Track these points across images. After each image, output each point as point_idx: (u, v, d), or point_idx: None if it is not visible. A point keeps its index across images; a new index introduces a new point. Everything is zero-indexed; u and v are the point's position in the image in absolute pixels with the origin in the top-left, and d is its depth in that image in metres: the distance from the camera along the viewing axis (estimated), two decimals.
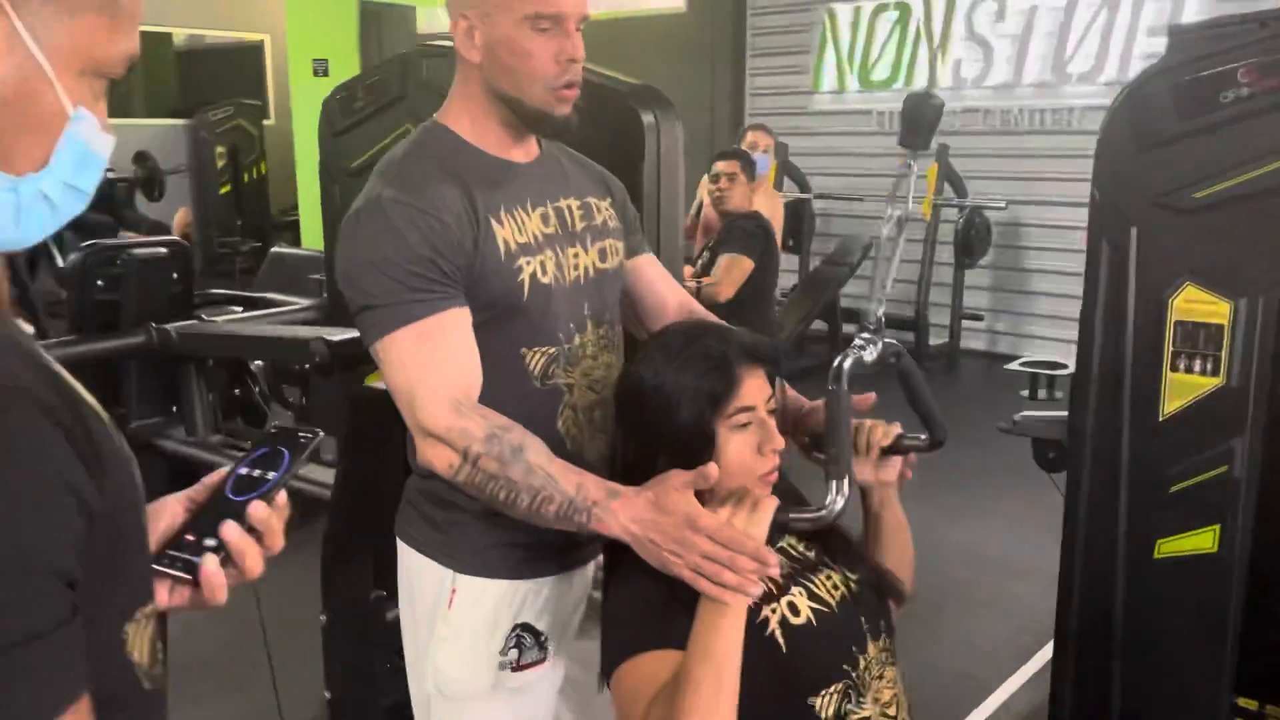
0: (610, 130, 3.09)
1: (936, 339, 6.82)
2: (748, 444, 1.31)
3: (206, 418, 2.06)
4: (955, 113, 6.68)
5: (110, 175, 8.61)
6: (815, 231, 7.40)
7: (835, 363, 1.38)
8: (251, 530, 0.86)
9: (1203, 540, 1.71)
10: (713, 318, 1.66)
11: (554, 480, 1.28)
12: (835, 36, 7.52)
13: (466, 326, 1.37)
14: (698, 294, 3.79)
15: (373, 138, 2.81)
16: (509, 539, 1.46)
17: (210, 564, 0.84)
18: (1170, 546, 1.74)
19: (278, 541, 0.89)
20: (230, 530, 0.85)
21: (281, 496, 0.90)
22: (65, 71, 0.70)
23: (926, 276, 6.62)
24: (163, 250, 2.16)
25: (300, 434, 0.93)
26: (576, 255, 1.50)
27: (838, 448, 1.32)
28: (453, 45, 2.65)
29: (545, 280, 1.44)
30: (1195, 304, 1.66)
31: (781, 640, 1.29)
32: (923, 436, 1.47)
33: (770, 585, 1.31)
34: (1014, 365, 3.96)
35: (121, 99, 10.39)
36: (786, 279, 7.42)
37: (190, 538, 0.86)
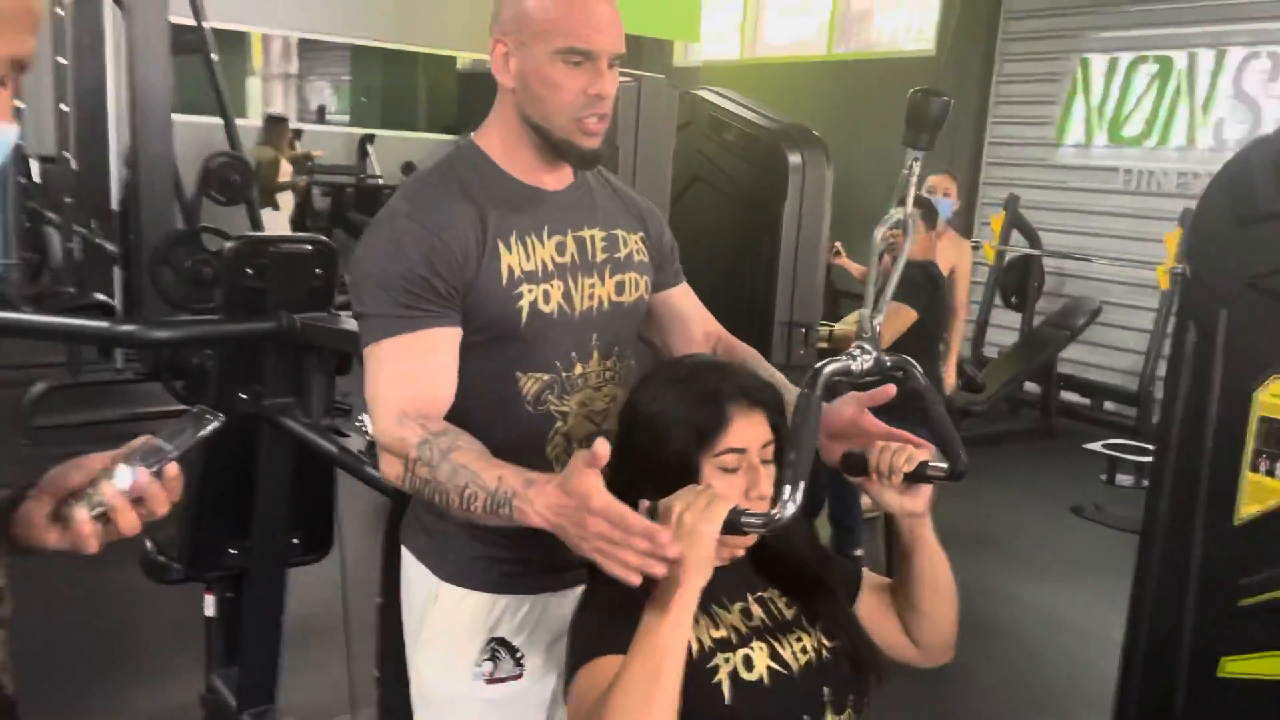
0: (757, 167, 3.11)
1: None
2: (734, 486, 1.27)
3: (319, 402, 2.24)
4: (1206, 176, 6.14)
5: (380, 183, 9.44)
6: (1044, 290, 7.01)
7: (815, 366, 1.31)
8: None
9: (1272, 665, 1.52)
10: (744, 350, 1.64)
11: (477, 476, 1.25)
12: (1086, 87, 7.10)
13: (447, 346, 1.40)
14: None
15: None
16: (491, 553, 1.49)
17: (79, 515, 0.95)
18: (1236, 666, 1.56)
19: (159, 508, 0.99)
20: (106, 490, 0.96)
21: (172, 468, 0.99)
22: None
23: (1155, 348, 6.10)
24: (307, 247, 2.38)
25: (206, 416, 1.03)
26: (592, 286, 1.50)
27: (798, 453, 1.24)
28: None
29: (546, 309, 1.44)
30: None
31: (726, 692, 1.25)
32: (945, 465, 1.35)
33: (730, 634, 1.29)
34: (1096, 445, 3.59)
35: (407, 115, 11.38)
36: (1005, 336, 7.08)
37: (87, 490, 0.98)
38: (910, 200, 1.41)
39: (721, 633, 1.30)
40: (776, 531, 1.25)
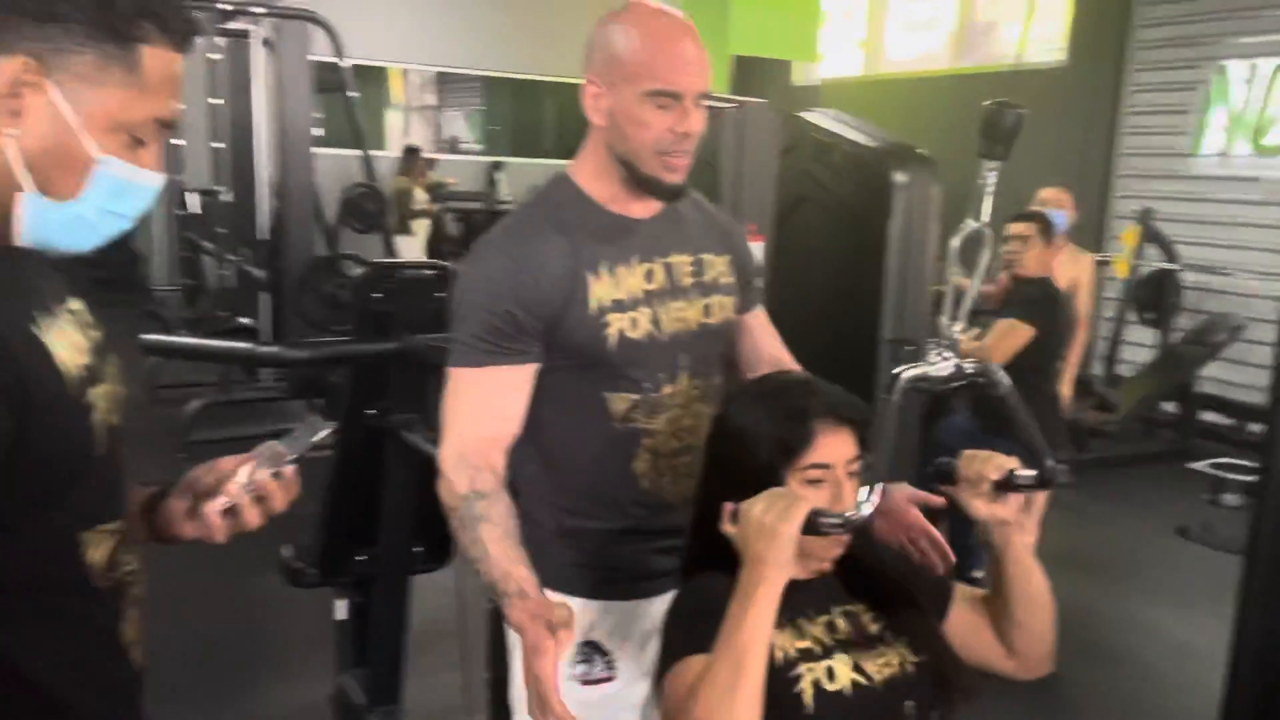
0: (862, 187, 3.15)
1: None
2: (818, 501, 1.30)
3: (436, 418, 2.39)
4: None
5: (508, 208, 9.76)
6: (1182, 306, 6.74)
7: (894, 372, 1.36)
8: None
9: None
10: (790, 366, 1.69)
11: (489, 560, 1.41)
12: (1225, 95, 6.82)
13: (518, 385, 1.50)
14: None
15: None
16: (584, 560, 1.58)
17: (210, 510, 1.11)
18: None
19: (277, 504, 1.14)
20: (232, 489, 1.11)
21: (288, 470, 1.14)
22: (94, 128, 0.94)
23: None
24: (429, 271, 2.54)
25: (319, 425, 1.18)
26: (680, 310, 1.56)
27: (876, 456, 1.30)
28: (715, 107, 2.83)
29: (635, 335, 1.51)
30: None
31: (809, 700, 1.29)
32: (1033, 473, 1.36)
33: (815, 646, 1.33)
34: (1201, 465, 3.42)
35: (535, 142, 11.71)
36: (1141, 354, 6.84)
37: (218, 489, 1.12)
38: (986, 211, 1.43)
39: (805, 643, 1.33)
40: (854, 530, 1.29)
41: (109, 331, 1.11)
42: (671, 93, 1.44)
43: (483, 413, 1.48)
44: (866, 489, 1.28)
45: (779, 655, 1.30)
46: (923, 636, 1.39)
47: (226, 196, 5.96)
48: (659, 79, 1.43)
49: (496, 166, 10.02)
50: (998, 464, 1.35)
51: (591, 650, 1.58)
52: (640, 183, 1.51)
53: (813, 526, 1.24)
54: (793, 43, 9.59)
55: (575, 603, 1.56)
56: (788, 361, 1.73)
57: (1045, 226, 3.74)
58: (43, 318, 0.97)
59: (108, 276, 11.45)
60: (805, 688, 1.29)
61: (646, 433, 1.55)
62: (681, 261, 1.58)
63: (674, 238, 1.59)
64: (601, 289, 1.50)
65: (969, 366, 1.39)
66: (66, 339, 0.99)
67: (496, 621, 2.17)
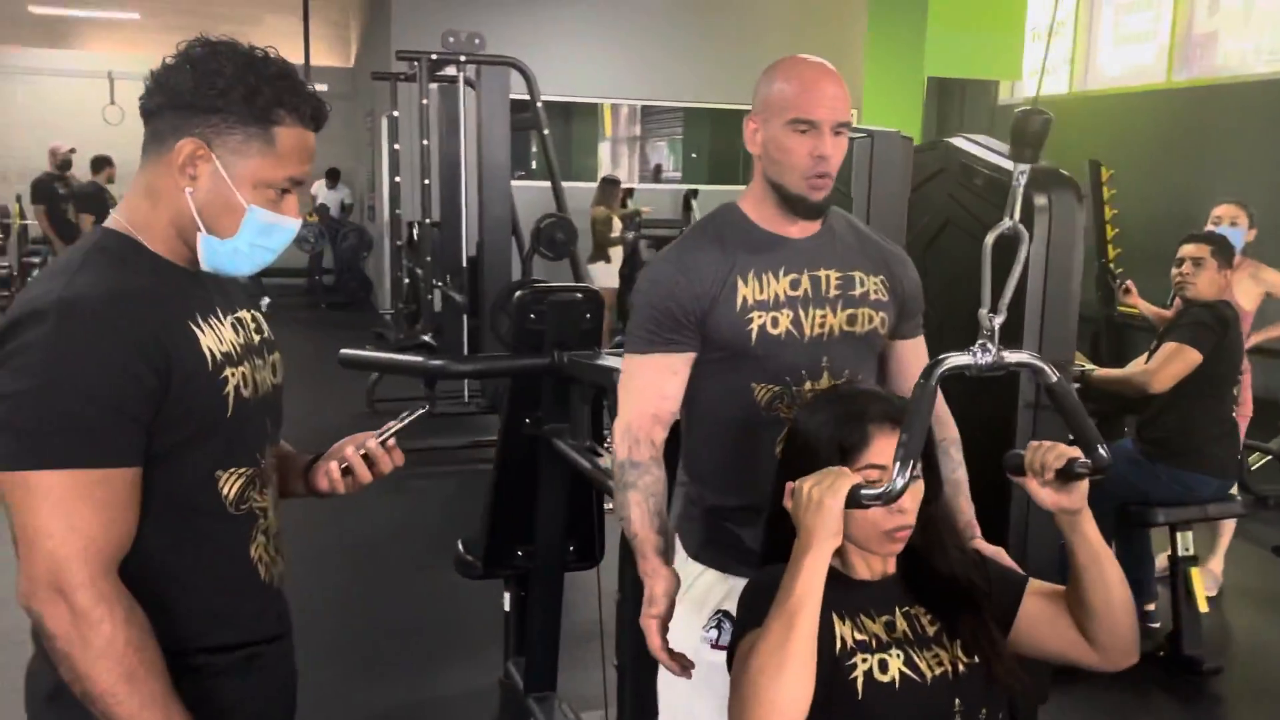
0: (1004, 211, 3.19)
1: None
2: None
3: (583, 427, 2.64)
4: None
5: None
6: None
7: (936, 359, 1.43)
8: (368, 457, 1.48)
9: None
10: (948, 427, 1.84)
11: (630, 521, 1.71)
12: None
13: (677, 368, 1.75)
14: (1081, 377, 3.59)
15: None
16: (723, 539, 1.79)
17: (332, 467, 1.48)
18: None
19: (383, 467, 1.50)
20: (348, 452, 1.47)
21: (391, 440, 1.50)
22: (244, 186, 1.27)
23: None
24: (578, 295, 2.81)
25: (420, 409, 1.56)
26: (823, 316, 1.75)
27: (911, 434, 1.37)
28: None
29: (775, 332, 1.72)
30: None
31: (860, 688, 1.41)
32: (1089, 461, 1.40)
33: (871, 640, 1.44)
34: None
35: (731, 169, 11.97)
36: None
37: (343, 453, 1.50)
38: (1018, 210, 1.49)
39: (864, 637, 1.44)
40: (891, 501, 1.38)
41: (273, 337, 1.47)
42: (808, 121, 1.66)
43: (646, 392, 1.75)
44: (898, 464, 1.36)
45: (839, 645, 1.42)
46: (977, 640, 1.46)
47: (434, 228, 6.53)
48: (799, 110, 1.67)
49: (692, 194, 10.33)
50: (1060, 453, 1.40)
51: (724, 618, 1.76)
52: (787, 200, 1.73)
53: (854, 500, 1.35)
54: (993, 62, 9.40)
55: (711, 574, 1.80)
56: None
57: (1220, 248, 3.60)
58: (201, 318, 1.29)
59: (344, 300, 12.65)
60: (858, 676, 1.41)
61: (788, 422, 1.73)
62: (829, 275, 1.78)
63: (825, 255, 1.79)
64: (748, 291, 1.73)
65: (1011, 357, 1.44)
66: (215, 334, 1.30)
67: (624, 612, 2.38)
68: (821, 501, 1.34)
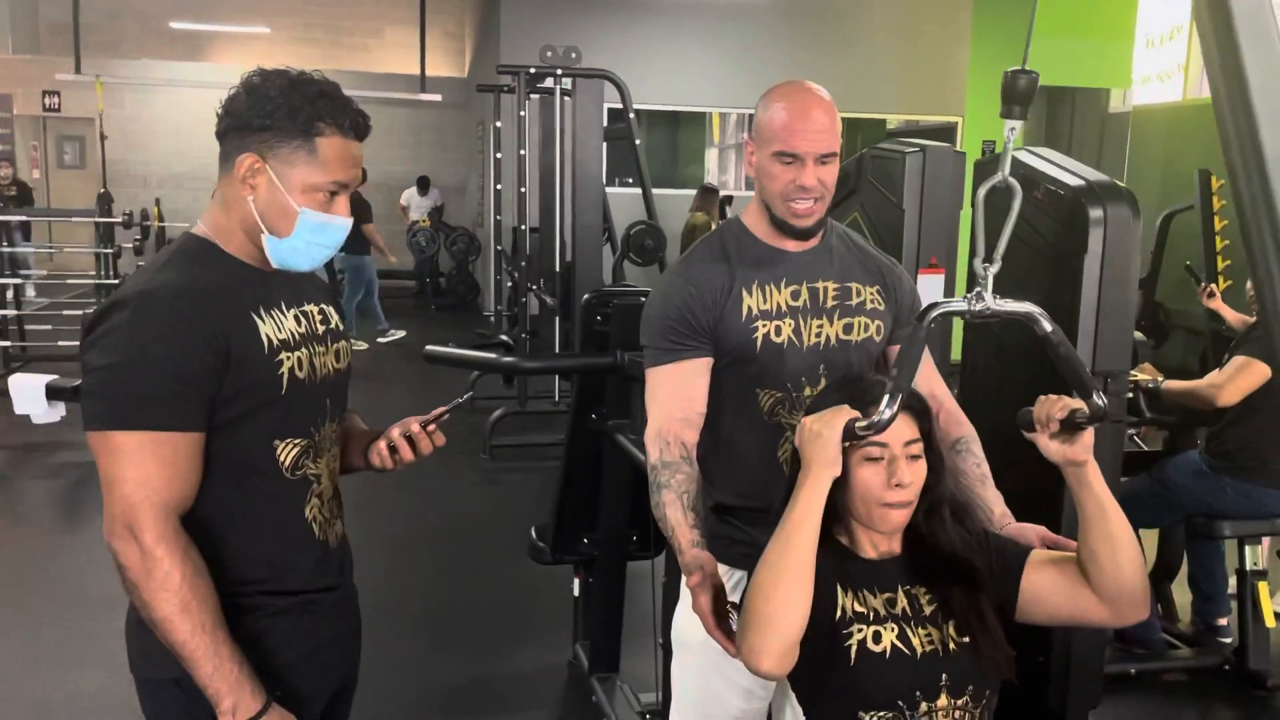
0: (1060, 223, 3.29)
1: None
2: (876, 473, 1.52)
3: (640, 424, 2.81)
4: None
5: None
6: None
7: (930, 304, 1.50)
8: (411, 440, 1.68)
9: None
10: (964, 428, 1.90)
11: (666, 519, 1.76)
12: None
13: (699, 372, 1.83)
14: (1144, 387, 3.57)
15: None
16: (731, 535, 1.91)
17: (381, 446, 1.68)
18: None
19: (424, 447, 1.69)
20: (394, 433, 1.68)
21: (432, 426, 1.69)
22: (295, 191, 1.45)
23: None
24: (641, 299, 2.99)
25: (461, 400, 1.75)
26: (820, 325, 1.85)
27: (900, 371, 1.47)
28: (900, 152, 3.07)
29: (778, 340, 1.82)
30: None
31: (853, 656, 1.53)
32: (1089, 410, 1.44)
33: (870, 613, 1.56)
34: None
35: None
36: None
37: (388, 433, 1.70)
38: (1007, 166, 1.49)
39: (863, 609, 1.56)
40: (882, 430, 1.49)
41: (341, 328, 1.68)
42: (791, 154, 1.77)
43: (671, 398, 1.83)
44: (887, 397, 1.47)
45: (839, 613, 1.54)
46: (968, 620, 1.56)
47: (532, 233, 6.81)
48: (783, 143, 1.77)
49: (727, 200, 10.38)
50: (1064, 404, 1.46)
51: (732, 608, 1.82)
52: (775, 223, 1.85)
53: (850, 432, 1.48)
54: (1107, 70, 9.23)
55: (722, 568, 1.85)
56: (939, 391, 1.95)
57: None
58: (264, 309, 1.50)
59: (453, 303, 13.10)
60: (852, 645, 1.52)
61: (790, 426, 1.84)
62: (827, 286, 1.88)
63: (822, 267, 1.90)
64: (752, 301, 1.85)
65: (1004, 305, 1.48)
66: (275, 323, 1.51)
67: (669, 593, 2.54)
68: (820, 432, 1.48)
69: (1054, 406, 1.47)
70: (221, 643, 1.39)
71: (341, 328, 1.69)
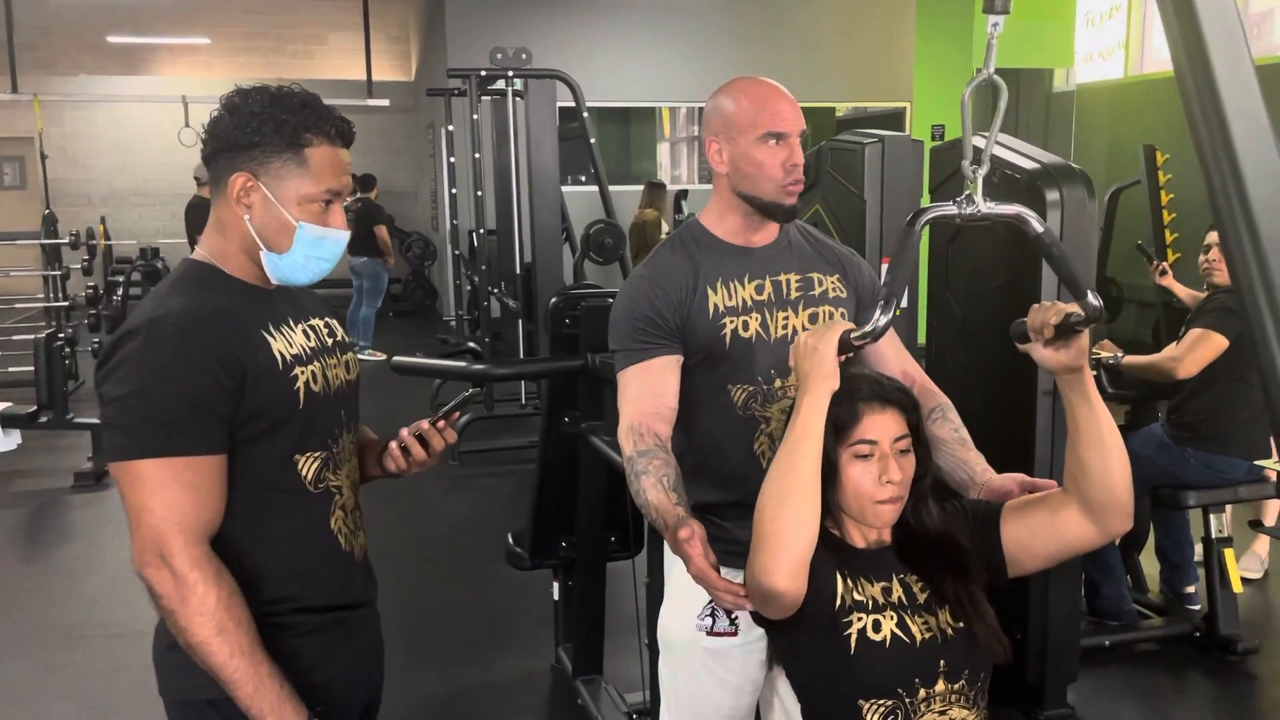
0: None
1: None
2: (867, 471, 1.55)
3: (614, 425, 2.81)
4: None
5: None
6: None
7: (920, 209, 1.51)
8: (421, 438, 1.69)
9: None
10: (937, 398, 1.90)
11: (649, 505, 1.74)
12: None
13: (669, 369, 1.85)
14: (1105, 364, 3.63)
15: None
16: (716, 534, 1.86)
17: (392, 446, 1.70)
18: None
19: (436, 444, 1.70)
20: (404, 433, 1.69)
21: (442, 423, 1.70)
22: (290, 204, 1.45)
23: None
24: (609, 300, 2.98)
25: (464, 395, 1.76)
26: (786, 318, 1.87)
27: (893, 276, 1.48)
28: (859, 143, 3.09)
29: (746, 335, 1.84)
30: None
31: (853, 644, 1.54)
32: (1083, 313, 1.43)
33: (868, 601, 1.58)
34: None
35: None
36: None
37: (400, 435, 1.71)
38: (993, 64, 1.48)
39: (862, 598, 1.57)
40: (878, 339, 1.52)
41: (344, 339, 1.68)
42: (779, 133, 1.80)
43: (642, 394, 1.83)
44: (881, 303, 1.50)
45: (839, 601, 1.56)
46: (963, 606, 1.58)
47: (490, 236, 6.76)
48: (769, 124, 1.80)
49: (682, 194, 10.41)
50: (1058, 309, 1.45)
51: (716, 607, 1.87)
52: (763, 210, 1.86)
53: (845, 344, 1.50)
54: (1048, 50, 9.36)
55: None
56: (911, 369, 1.96)
57: None
58: (273, 326, 1.49)
59: (411, 309, 13.01)
60: (852, 633, 1.54)
61: (764, 419, 1.87)
62: (790, 278, 1.91)
63: (784, 261, 1.92)
64: (718, 299, 1.86)
65: (995, 208, 1.50)
66: (285, 339, 1.50)
67: (653, 594, 2.55)
68: (816, 347, 1.50)
69: (1048, 313, 1.45)
70: (260, 663, 1.39)
71: (347, 339, 1.69)
